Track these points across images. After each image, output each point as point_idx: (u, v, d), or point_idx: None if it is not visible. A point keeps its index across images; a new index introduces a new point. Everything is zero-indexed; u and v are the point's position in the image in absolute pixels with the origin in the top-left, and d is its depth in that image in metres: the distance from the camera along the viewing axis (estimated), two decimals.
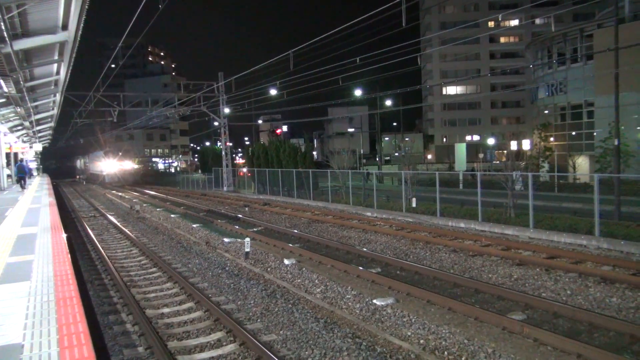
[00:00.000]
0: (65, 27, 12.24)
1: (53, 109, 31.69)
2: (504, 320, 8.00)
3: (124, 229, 20.28)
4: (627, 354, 6.83)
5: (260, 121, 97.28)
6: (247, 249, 13.97)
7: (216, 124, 43.90)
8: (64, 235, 11.52)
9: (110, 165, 58.85)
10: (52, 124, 42.66)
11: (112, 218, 24.22)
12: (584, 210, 17.28)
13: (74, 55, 14.91)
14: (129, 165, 61.02)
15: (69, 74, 18.79)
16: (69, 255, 9.29)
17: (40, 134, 47.01)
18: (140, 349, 7.75)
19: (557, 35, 39.95)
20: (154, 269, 13.32)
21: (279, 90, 35.52)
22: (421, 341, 7.63)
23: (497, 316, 8.19)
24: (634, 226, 14.63)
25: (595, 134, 35.96)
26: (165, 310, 9.77)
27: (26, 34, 12.21)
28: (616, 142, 18.73)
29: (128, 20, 13.71)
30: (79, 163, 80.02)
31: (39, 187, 30.81)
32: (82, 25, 11.68)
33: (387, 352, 7.34)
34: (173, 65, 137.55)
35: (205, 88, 38.27)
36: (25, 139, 42.64)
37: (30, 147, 46.18)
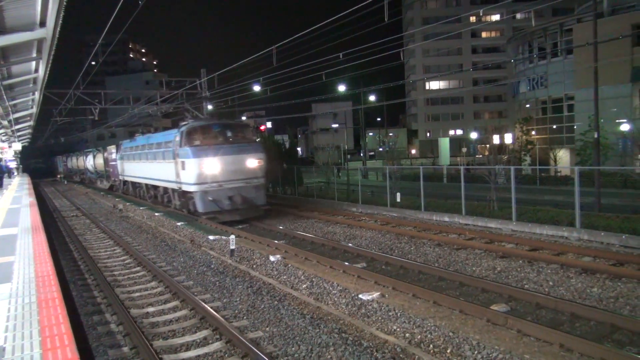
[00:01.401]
0: (43, 23, 12.01)
1: (32, 108, 31.14)
2: (488, 313, 8.10)
3: (107, 228, 20.07)
4: (608, 343, 6.97)
5: (244, 117, 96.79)
6: (232, 247, 13.92)
7: None
8: (45, 236, 11.36)
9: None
10: (31, 123, 41.91)
11: (94, 217, 23.95)
12: (565, 203, 17.54)
13: (52, 52, 14.65)
14: None
15: (48, 72, 18.47)
16: (51, 256, 9.16)
17: (19, 133, 46.16)
18: (126, 349, 7.69)
19: (538, 30, 40.42)
20: (138, 268, 13.21)
21: (262, 86, 35.36)
22: (407, 335, 7.69)
23: (482, 308, 8.29)
24: (613, 217, 14.89)
25: (575, 127, 36.52)
26: (150, 309, 9.70)
27: (2, 31, 11.95)
28: (596, 135, 19.03)
29: (108, 16, 13.51)
30: (72, 162, 72.09)
31: (19, 187, 30.31)
32: (60, 21, 11.48)
33: (373, 346, 7.38)
34: (155, 62, 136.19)
35: (188, 85, 37.96)
36: (4, 138, 41.84)
37: (9, 147, 45.30)
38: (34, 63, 17.12)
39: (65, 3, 10.24)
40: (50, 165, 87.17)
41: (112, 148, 38.11)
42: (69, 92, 33.93)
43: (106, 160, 41.26)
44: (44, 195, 41.17)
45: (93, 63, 22.34)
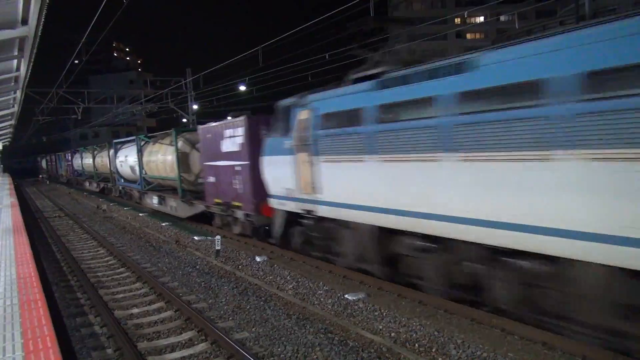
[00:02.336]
0: (25, 21, 11.84)
1: (13, 106, 30.67)
2: (472, 312, 8.17)
3: (90, 229, 19.84)
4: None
5: (229, 117, 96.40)
6: (218, 247, 13.86)
7: (184, 120, 43.31)
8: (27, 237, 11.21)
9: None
10: (12, 122, 41.26)
11: (77, 218, 23.66)
12: None
13: (34, 50, 14.45)
14: None
15: (29, 70, 18.21)
16: (33, 257, 9.05)
17: (0, 132, 45.44)
18: (109, 351, 7.62)
19: (521, 32, 40.88)
20: (122, 269, 13.08)
21: (248, 86, 35.27)
22: (392, 334, 7.72)
23: (467, 308, 8.35)
24: None
25: None
26: (135, 310, 9.62)
27: None
28: None
29: (92, 15, 13.36)
30: (71, 162, 61.81)
31: (0, 188, 29.82)
32: (43, 19, 11.33)
33: (359, 346, 7.40)
34: (139, 61, 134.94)
35: (173, 84, 37.72)
36: None
37: None
38: (15, 61, 16.87)
39: (48, 1, 10.12)
40: (33, 165, 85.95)
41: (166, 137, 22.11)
42: (52, 91, 33.52)
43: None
44: (26, 196, 40.58)
45: (76, 62, 22.08)
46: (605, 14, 6.82)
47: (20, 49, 14.73)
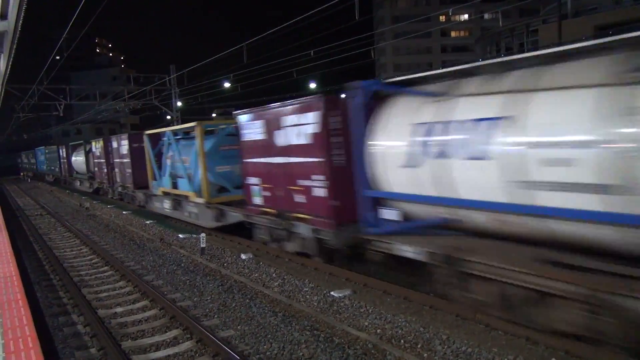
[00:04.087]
0: (4, 16, 11.58)
1: None
2: (457, 308, 8.23)
3: (73, 227, 19.58)
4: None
5: (214, 114, 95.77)
6: (203, 245, 13.77)
7: (169, 117, 42.94)
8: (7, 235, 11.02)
9: None
10: None
11: (60, 216, 23.34)
12: None
13: (14, 46, 14.17)
14: None
15: (9, 66, 17.86)
16: (14, 256, 8.90)
17: None
18: (93, 350, 7.53)
19: (505, 30, 41.29)
20: (106, 268, 12.94)
21: (233, 83, 35.13)
22: (378, 331, 7.75)
23: (451, 304, 8.41)
24: None
25: None
26: (119, 309, 9.52)
27: None
28: None
29: (73, 10, 13.15)
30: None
31: None
32: (22, 14, 11.12)
33: (345, 342, 7.42)
34: (122, 58, 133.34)
35: (157, 81, 37.35)
36: None
37: None
38: None
39: None
40: (13, 163, 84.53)
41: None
42: (32, 88, 32.95)
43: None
44: (6, 194, 39.91)
45: (57, 58, 21.74)
46: (587, 12, 6.94)
47: None
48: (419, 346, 7.12)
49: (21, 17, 11.28)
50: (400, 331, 7.66)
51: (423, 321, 7.96)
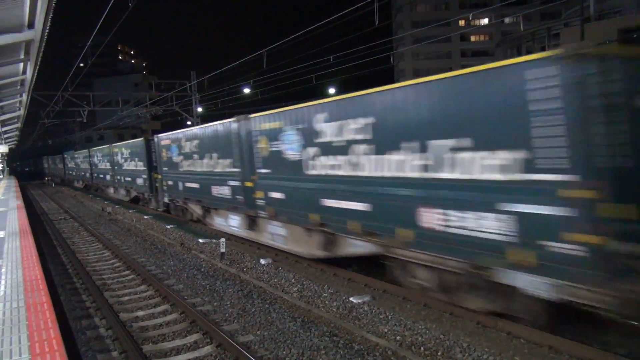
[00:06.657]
0: (31, 25, 11.92)
1: (19, 110, 30.87)
2: (478, 315, 8.13)
3: (95, 231, 19.90)
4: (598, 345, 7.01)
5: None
6: (223, 250, 13.86)
7: (189, 123, 43.41)
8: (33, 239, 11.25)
9: None
10: (18, 125, 41.51)
11: (82, 220, 23.73)
12: None
13: (40, 54, 14.56)
14: None
15: (35, 74, 18.33)
16: (39, 260, 9.08)
17: (6, 135, 45.68)
18: (115, 354, 7.63)
19: (526, 34, 40.81)
20: (128, 272, 13.11)
21: (252, 89, 35.39)
22: (398, 337, 7.70)
23: (472, 311, 8.32)
24: None
25: None
26: (140, 313, 9.63)
27: None
28: None
29: (98, 18, 13.44)
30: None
31: (6, 190, 29.97)
32: (49, 23, 11.41)
33: (364, 349, 7.38)
34: (144, 64, 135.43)
35: (178, 87, 37.84)
36: None
37: None
38: (21, 64, 16.99)
39: (54, 4, 10.18)
40: (38, 168, 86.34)
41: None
42: (57, 94, 33.67)
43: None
44: (32, 198, 40.74)
45: (82, 65, 22.21)
46: (610, 15, 6.77)
47: (27, 53, 14.83)
48: (439, 354, 7.05)
49: (47, 26, 11.58)
50: (420, 338, 7.60)
51: (443, 328, 7.88)
